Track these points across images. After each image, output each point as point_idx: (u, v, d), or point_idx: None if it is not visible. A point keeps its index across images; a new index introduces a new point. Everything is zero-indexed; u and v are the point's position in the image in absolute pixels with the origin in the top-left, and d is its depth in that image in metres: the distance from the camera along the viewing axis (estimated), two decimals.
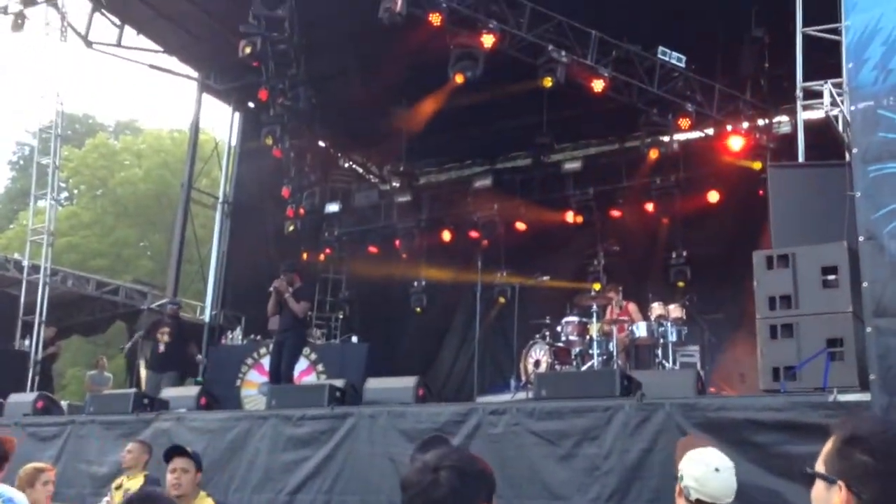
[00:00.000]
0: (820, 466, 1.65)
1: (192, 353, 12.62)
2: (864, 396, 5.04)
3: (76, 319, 16.67)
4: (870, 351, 4.97)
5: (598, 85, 11.50)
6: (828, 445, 1.66)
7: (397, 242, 15.94)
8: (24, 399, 10.17)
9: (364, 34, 12.59)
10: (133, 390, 10.47)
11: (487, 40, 11.10)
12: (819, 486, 1.64)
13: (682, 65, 11.74)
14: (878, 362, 4.86)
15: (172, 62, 15.70)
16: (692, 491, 3.17)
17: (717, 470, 3.20)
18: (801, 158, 7.76)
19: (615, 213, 14.45)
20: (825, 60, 7.79)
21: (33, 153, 16.65)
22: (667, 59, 11.66)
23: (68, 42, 14.54)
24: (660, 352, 10.27)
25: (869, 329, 5.00)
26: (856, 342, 5.46)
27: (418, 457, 1.94)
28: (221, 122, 17.07)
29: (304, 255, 15.99)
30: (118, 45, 14.91)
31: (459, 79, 11.45)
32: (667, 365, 10.11)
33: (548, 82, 11.27)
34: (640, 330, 10.24)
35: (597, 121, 14.74)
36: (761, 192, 9.84)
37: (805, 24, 7.88)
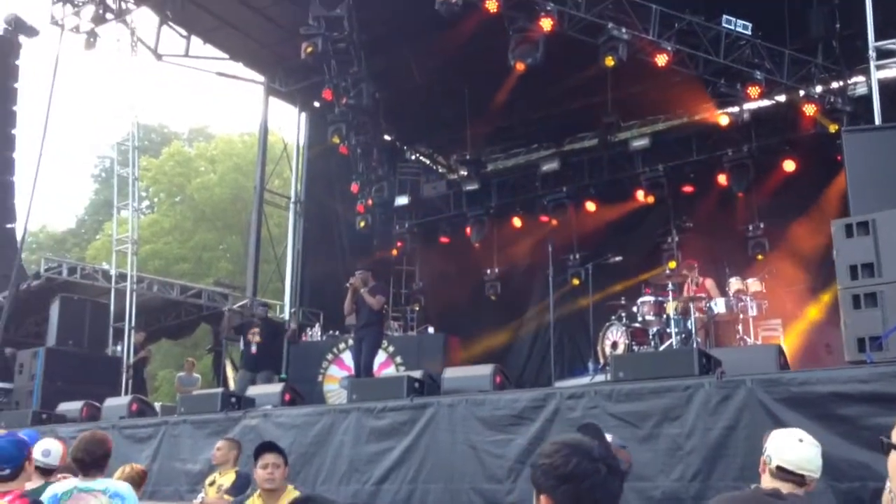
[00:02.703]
0: (895, 436, 1.63)
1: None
2: None
3: (163, 323, 17.24)
4: None
5: (661, 59, 11.30)
6: None
7: (468, 231, 16.00)
8: (119, 402, 10.58)
9: (422, 26, 12.64)
10: (220, 390, 10.77)
11: (546, 24, 11.02)
12: (893, 456, 1.62)
13: (748, 32, 11.42)
14: None
15: (238, 68, 16.11)
16: (773, 458, 3.15)
17: (800, 440, 3.17)
18: (877, 120, 7.50)
19: (687, 189, 14.20)
20: None
21: (113, 165, 17.23)
22: (732, 27, 11.36)
23: (139, 56, 15.05)
24: (740, 327, 10.08)
25: None
26: None
27: (584, 446, 1.93)
28: (289, 124, 17.37)
29: (377, 251, 16.19)
30: (186, 55, 15.35)
31: (520, 66, 11.42)
32: (748, 341, 9.92)
33: (610, 61, 11.14)
34: (719, 306, 10.07)
35: (663, 96, 14.47)
36: (839, 157, 9.55)
37: None
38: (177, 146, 33.50)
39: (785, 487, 3.07)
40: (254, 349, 12.16)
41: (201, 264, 29.15)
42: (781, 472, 3.12)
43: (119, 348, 14.36)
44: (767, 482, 3.15)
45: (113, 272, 15.05)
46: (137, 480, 5.29)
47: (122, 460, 6.20)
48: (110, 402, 10.66)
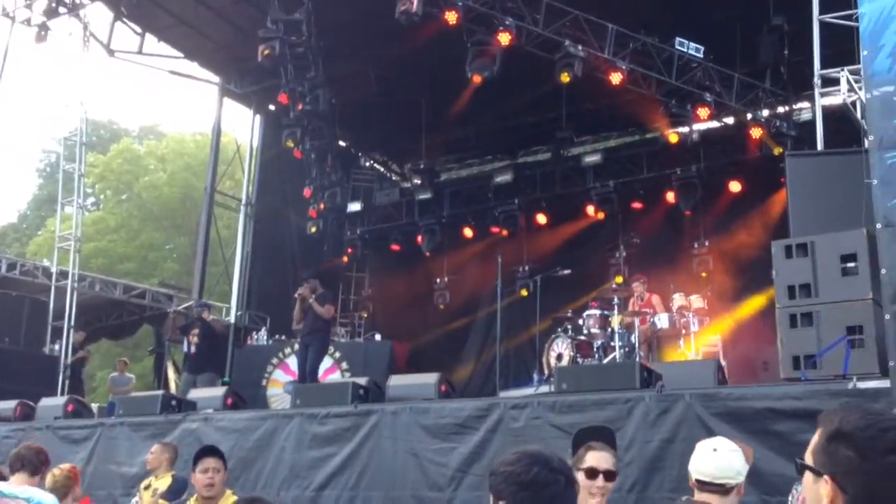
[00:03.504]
0: (809, 458, 1.67)
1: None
2: (884, 383, 5.03)
3: (104, 323, 16.93)
4: (889, 337, 4.95)
5: (616, 78, 11.48)
6: (815, 439, 1.67)
7: (419, 239, 16.02)
8: (54, 403, 10.35)
9: (381, 34, 12.65)
10: (161, 392, 10.62)
11: (504, 38, 11.13)
12: (808, 477, 1.66)
13: (700, 55, 11.69)
14: None
15: (193, 68, 15.90)
16: (693, 473, 3.22)
17: (714, 450, 3.23)
18: (819, 146, 7.71)
19: (636, 206, 14.42)
20: (844, 47, 7.73)
21: (59, 160, 16.89)
22: (684, 49, 11.62)
23: (91, 51, 14.78)
24: (682, 342, 10.26)
25: (888, 316, 4.97)
26: (875, 329, 5.45)
27: (544, 456, 2.00)
28: (243, 125, 17.22)
29: (328, 257, 16.12)
30: (140, 52, 15.11)
31: (477, 79, 11.52)
32: (689, 355, 10.10)
33: (565, 77, 11.28)
34: (662, 321, 10.25)
35: (616, 113, 14.73)
36: (783, 179, 9.79)
37: (823, 11, 7.83)
38: (126, 143, 32.95)
39: (713, 500, 3.12)
40: (193, 350, 12.03)
41: (147, 264, 28.67)
42: (702, 485, 3.18)
43: (57, 347, 14.06)
44: (697, 496, 3.22)
45: (54, 269, 14.75)
46: (69, 481, 5.17)
47: (56, 462, 6.05)
48: (46, 401, 10.42)
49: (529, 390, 10.01)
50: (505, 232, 15.16)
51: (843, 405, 1.73)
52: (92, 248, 26.77)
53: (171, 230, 30.50)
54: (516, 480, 1.95)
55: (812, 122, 10.14)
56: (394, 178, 18.76)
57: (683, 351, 10.15)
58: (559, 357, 10.45)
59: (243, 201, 16.19)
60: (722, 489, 3.17)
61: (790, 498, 4.28)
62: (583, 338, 10.44)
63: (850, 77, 7.32)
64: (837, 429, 1.62)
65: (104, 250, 28.07)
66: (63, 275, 14.52)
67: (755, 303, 11.63)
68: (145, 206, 30.18)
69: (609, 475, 3.49)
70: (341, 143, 16.67)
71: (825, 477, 1.61)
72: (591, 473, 3.42)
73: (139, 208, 30.39)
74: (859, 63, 6.42)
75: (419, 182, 17.12)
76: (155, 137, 35.45)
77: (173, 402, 9.27)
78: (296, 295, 10.63)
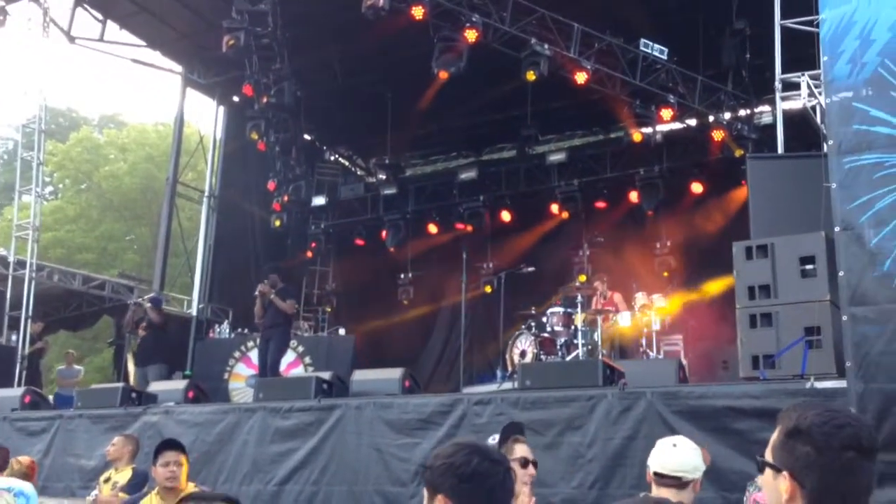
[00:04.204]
0: (769, 455, 1.73)
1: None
2: (841, 383, 5.16)
3: (63, 314, 16.64)
4: (846, 339, 5.07)
5: (581, 77, 11.57)
6: (774, 435, 1.74)
7: (384, 235, 16.01)
8: (11, 394, 10.18)
9: (348, 28, 12.61)
10: (121, 384, 10.48)
11: (470, 35, 11.15)
12: (768, 473, 1.73)
13: (665, 57, 11.83)
14: (854, 350, 4.96)
15: (156, 57, 15.67)
16: (650, 466, 3.30)
17: (674, 445, 3.32)
18: (780, 149, 7.86)
19: (600, 205, 14.55)
20: (806, 51, 7.88)
21: (17, 148, 16.56)
22: (649, 51, 11.75)
23: (51, 37, 14.49)
24: (644, 341, 10.39)
25: (845, 317, 5.09)
26: (833, 330, 5.58)
27: (483, 447, 2.00)
28: (206, 116, 17.02)
29: (291, 251, 16.05)
30: (101, 39, 14.84)
31: (444, 75, 11.53)
32: (651, 354, 10.24)
33: (531, 76, 11.34)
34: (624, 320, 10.35)
35: (581, 112, 14.86)
36: (743, 181, 9.95)
37: (784, 16, 7.98)
38: (86, 132, 32.34)
39: (670, 494, 3.20)
40: (139, 342, 11.97)
41: (106, 255, 28.22)
42: (659, 478, 3.26)
43: (14, 338, 13.80)
44: (654, 491, 3.29)
45: (11, 258, 14.46)
46: (27, 474, 5.12)
47: (12, 454, 5.99)
48: (2, 392, 10.29)
49: (493, 386, 10.07)
50: (469, 228, 15.20)
51: (801, 403, 1.78)
52: (50, 238, 26.28)
53: (131, 221, 30.05)
54: (456, 473, 1.91)
55: (772, 126, 10.35)
56: (359, 172, 18.70)
57: (645, 350, 10.28)
58: (522, 354, 10.52)
59: (206, 193, 16.01)
60: (679, 482, 3.25)
61: (745, 496, 4.37)
62: (546, 335, 10.51)
63: (811, 82, 7.47)
64: (795, 426, 1.68)
65: (62, 240, 27.58)
66: (21, 264, 14.23)
67: (716, 302, 11.81)
68: (105, 197, 29.69)
69: (534, 464, 3.65)
70: (306, 137, 16.57)
71: (784, 472, 1.68)
72: (524, 463, 3.54)
73: (99, 198, 29.88)
74: (819, 68, 6.56)
75: (384, 177, 17.09)
76: (115, 127, 34.86)
77: (133, 395, 9.19)
78: (256, 293, 10.57)
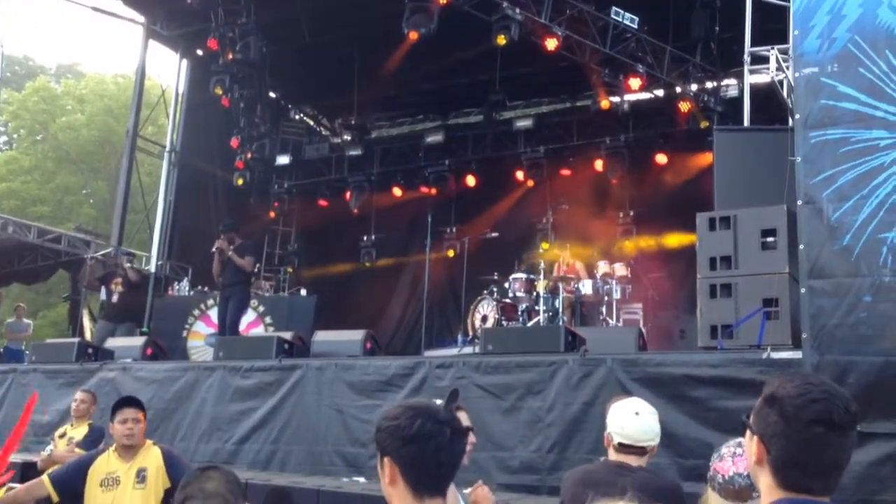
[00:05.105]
0: (752, 417, 1.78)
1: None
2: (796, 354, 5.25)
3: (17, 267, 16.28)
4: (803, 311, 5.15)
5: (551, 43, 11.51)
6: (759, 399, 1.78)
7: (347, 196, 15.90)
8: None
9: None
10: (77, 339, 10.33)
11: None
12: (748, 433, 1.78)
13: (635, 26, 11.82)
14: (811, 322, 5.04)
15: (117, 6, 15.31)
16: (615, 435, 3.32)
17: (636, 413, 3.34)
18: (746, 122, 7.91)
19: (565, 172, 14.58)
20: (775, 26, 7.91)
21: None
22: (620, 19, 11.72)
23: None
24: (604, 309, 10.49)
25: (803, 290, 5.16)
26: (790, 302, 5.67)
27: (429, 408, 1.96)
28: (168, 69, 16.66)
29: (254, 210, 15.86)
30: None
31: (413, 36, 11.38)
32: (611, 322, 10.34)
33: (501, 40, 11.25)
34: (586, 287, 10.43)
35: (549, 79, 14.80)
36: (709, 153, 10.02)
37: None
38: (42, 81, 31.46)
39: (630, 460, 3.24)
40: (115, 299, 11.77)
41: (62, 208, 27.66)
42: (623, 448, 3.30)
43: None
44: (613, 455, 3.33)
45: None
46: None
47: None
48: None
49: (453, 350, 10.12)
50: (434, 192, 15.16)
51: (793, 372, 1.83)
52: (4, 189, 25.70)
53: (88, 174, 29.44)
54: (401, 435, 1.88)
55: (738, 99, 10.42)
56: (324, 132, 18.50)
57: (605, 318, 10.38)
58: (484, 319, 10.57)
59: (167, 148, 15.72)
60: (641, 451, 3.29)
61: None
62: (508, 301, 10.56)
63: (780, 56, 7.51)
64: (772, 393, 1.73)
65: (17, 192, 26.96)
66: None
67: (675, 272, 11.95)
68: (61, 148, 29.01)
69: (473, 432, 3.69)
70: (271, 94, 16.32)
71: (755, 436, 1.74)
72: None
73: (55, 150, 29.19)
74: (789, 42, 6.59)
75: (349, 138, 16.93)
76: (74, 77, 33.98)
77: (90, 350, 9.06)
78: (213, 249, 10.42)
